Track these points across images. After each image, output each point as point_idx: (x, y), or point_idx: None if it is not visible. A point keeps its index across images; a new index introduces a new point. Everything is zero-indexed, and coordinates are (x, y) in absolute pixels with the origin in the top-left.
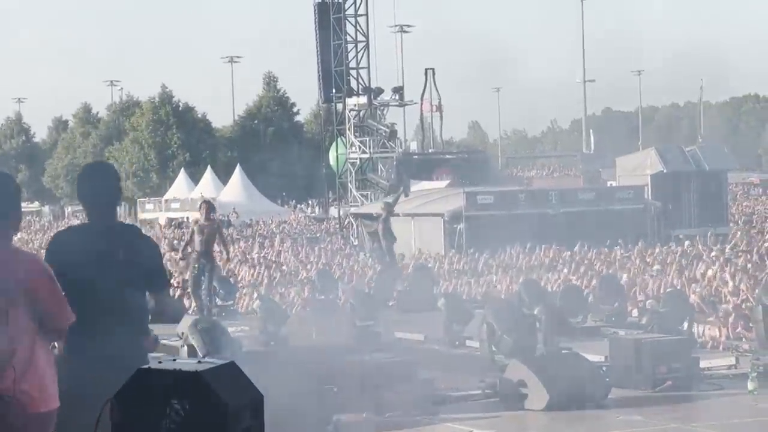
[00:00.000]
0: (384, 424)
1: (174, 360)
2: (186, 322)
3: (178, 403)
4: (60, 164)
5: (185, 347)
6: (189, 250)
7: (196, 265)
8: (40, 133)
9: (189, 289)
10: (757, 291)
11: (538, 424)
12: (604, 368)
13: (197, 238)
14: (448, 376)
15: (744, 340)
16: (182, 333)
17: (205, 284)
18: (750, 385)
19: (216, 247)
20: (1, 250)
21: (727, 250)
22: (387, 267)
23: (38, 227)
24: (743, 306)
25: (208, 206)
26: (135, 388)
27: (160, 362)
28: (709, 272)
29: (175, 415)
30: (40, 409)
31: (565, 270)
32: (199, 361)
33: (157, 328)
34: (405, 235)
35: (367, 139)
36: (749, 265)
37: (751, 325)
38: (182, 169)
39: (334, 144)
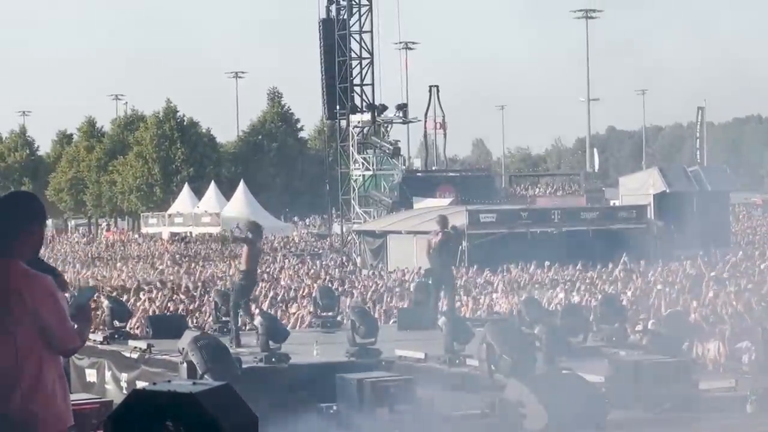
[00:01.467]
0: None
1: (169, 381)
2: (186, 338)
3: (173, 424)
4: (64, 178)
5: (185, 364)
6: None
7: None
8: (44, 147)
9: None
10: (757, 313)
11: None
12: (603, 389)
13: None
14: (448, 395)
15: (744, 361)
16: (182, 349)
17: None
18: (749, 408)
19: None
20: (9, 269)
21: (728, 271)
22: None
23: None
24: (743, 326)
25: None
26: (129, 409)
27: (154, 383)
28: (710, 293)
29: None
30: (48, 430)
31: (566, 289)
32: (194, 383)
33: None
34: (407, 252)
35: (371, 155)
36: (750, 286)
37: (751, 346)
38: (186, 183)
39: (340, 160)
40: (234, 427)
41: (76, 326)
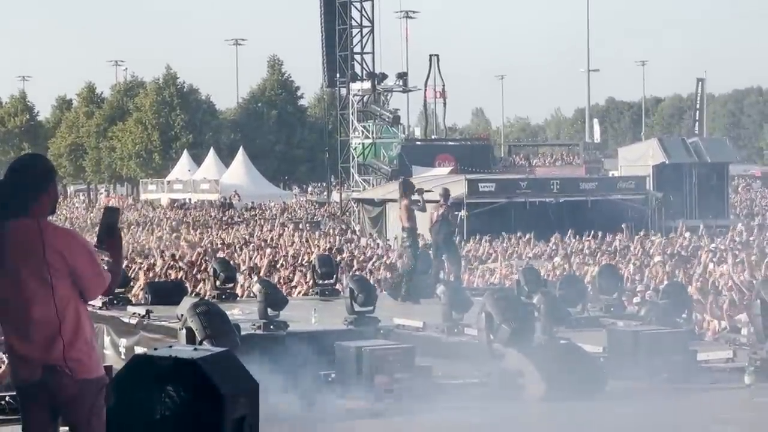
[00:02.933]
0: (381, 412)
1: (170, 347)
2: (185, 304)
3: (174, 389)
4: (63, 143)
5: (184, 330)
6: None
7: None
8: (44, 112)
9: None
10: (756, 285)
11: (534, 415)
12: (602, 359)
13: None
14: (446, 364)
15: (742, 333)
16: (181, 315)
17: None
18: (747, 379)
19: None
20: (41, 226)
21: (727, 243)
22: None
23: None
24: (742, 297)
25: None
26: (131, 374)
27: (155, 349)
28: (710, 265)
29: (170, 402)
30: (92, 375)
31: (565, 259)
32: (196, 349)
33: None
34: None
35: (371, 124)
36: (753, 258)
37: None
38: (185, 150)
39: (340, 129)
40: (235, 393)
41: (108, 253)
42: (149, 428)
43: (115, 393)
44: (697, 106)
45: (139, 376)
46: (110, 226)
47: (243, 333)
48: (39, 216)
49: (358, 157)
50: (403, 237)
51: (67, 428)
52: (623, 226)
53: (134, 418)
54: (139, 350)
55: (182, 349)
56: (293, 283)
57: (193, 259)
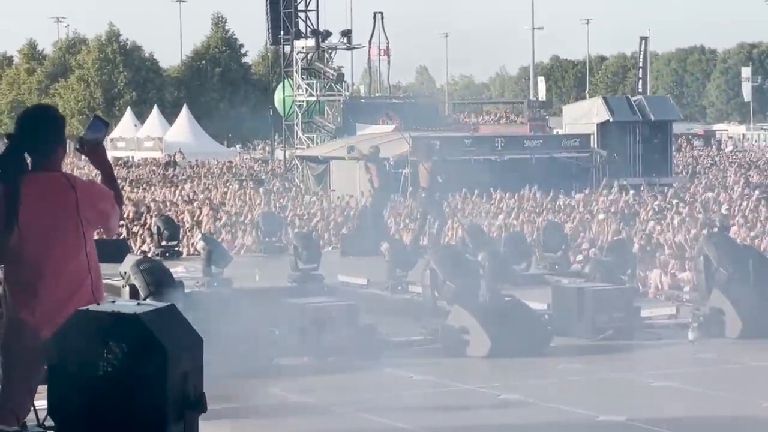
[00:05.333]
0: (325, 368)
1: (113, 302)
2: (129, 261)
3: (116, 345)
4: (4, 100)
5: (127, 287)
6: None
7: None
8: None
9: None
10: (699, 241)
11: (478, 371)
12: (546, 316)
13: None
14: (390, 321)
15: (684, 290)
16: (125, 273)
17: None
18: (690, 335)
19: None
20: (71, 180)
21: (669, 200)
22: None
23: None
24: (684, 255)
25: None
26: (72, 329)
27: (98, 304)
28: (651, 222)
29: (112, 358)
30: None
31: (510, 216)
32: (139, 304)
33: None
34: (351, 179)
35: (315, 82)
36: (696, 215)
37: (691, 273)
38: (128, 108)
39: (280, 86)
40: (178, 348)
41: (101, 173)
42: (92, 384)
43: (56, 349)
44: (640, 65)
45: (81, 332)
46: (96, 143)
47: (187, 291)
48: (59, 167)
49: (302, 115)
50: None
51: None
52: (567, 183)
53: (76, 375)
54: None
55: (125, 304)
56: (237, 241)
57: (131, 216)
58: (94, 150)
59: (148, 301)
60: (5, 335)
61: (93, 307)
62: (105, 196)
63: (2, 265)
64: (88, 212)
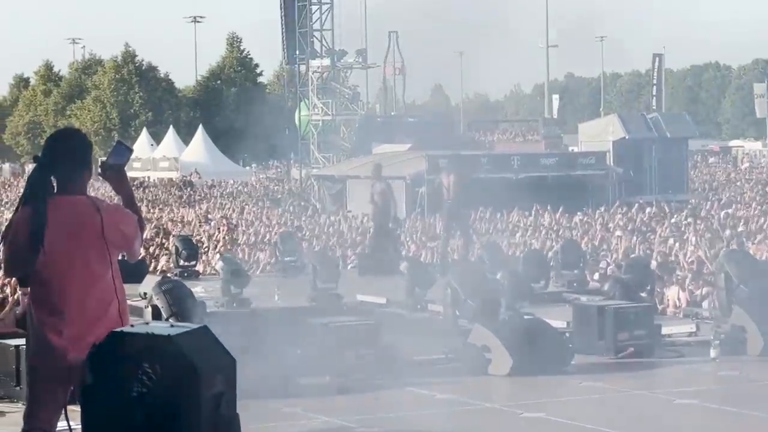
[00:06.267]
0: (347, 388)
1: (147, 323)
2: (150, 282)
3: (150, 366)
4: (21, 122)
5: (149, 308)
6: None
7: None
8: (1, 90)
9: None
10: (718, 258)
11: (500, 390)
12: (567, 334)
13: None
14: (411, 340)
15: (704, 306)
16: (145, 293)
17: None
18: (712, 353)
19: None
20: (96, 204)
21: (686, 217)
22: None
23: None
24: (702, 272)
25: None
26: (107, 351)
27: (132, 326)
28: (670, 240)
29: (146, 379)
30: None
31: (527, 234)
32: (172, 325)
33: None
34: (366, 197)
35: (330, 101)
36: (708, 234)
37: (709, 290)
38: (144, 128)
39: (299, 105)
40: (212, 369)
41: (122, 198)
42: (126, 406)
43: (91, 371)
44: (654, 82)
45: (115, 354)
46: (119, 168)
47: (207, 311)
48: (84, 191)
49: (317, 134)
50: None
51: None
52: (584, 201)
53: (110, 396)
54: None
55: (158, 326)
56: (255, 261)
57: (148, 236)
58: (116, 175)
59: (180, 322)
60: (32, 356)
61: (127, 328)
62: (129, 221)
63: (29, 287)
64: (113, 236)
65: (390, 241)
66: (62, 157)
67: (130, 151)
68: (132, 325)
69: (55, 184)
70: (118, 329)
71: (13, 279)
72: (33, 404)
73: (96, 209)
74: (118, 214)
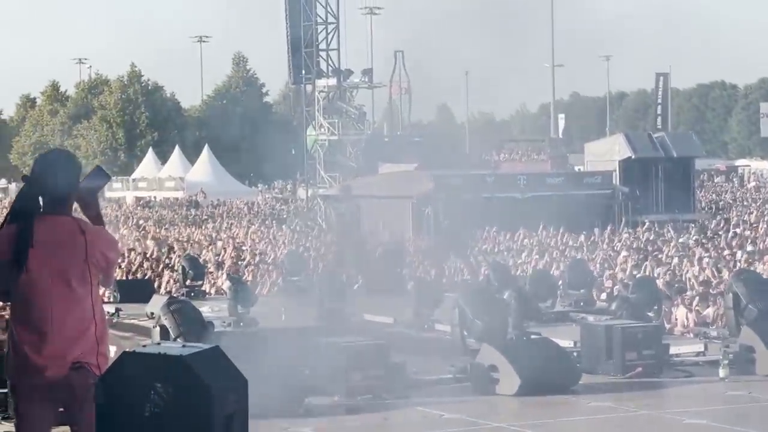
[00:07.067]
0: (355, 407)
1: (158, 344)
2: (158, 302)
3: (162, 386)
4: (27, 142)
5: (157, 328)
6: None
7: None
8: (8, 110)
9: None
10: (727, 278)
11: (508, 409)
12: (575, 354)
13: None
14: (419, 360)
15: (711, 326)
16: (151, 313)
17: None
18: (721, 372)
19: None
20: (81, 226)
21: (693, 237)
22: None
23: (6, 204)
24: (710, 292)
25: None
26: (119, 371)
27: (144, 346)
28: (675, 259)
29: (158, 399)
30: None
31: (534, 254)
32: (184, 345)
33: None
34: (373, 217)
35: (336, 120)
36: (715, 253)
37: (717, 310)
38: (150, 148)
39: (305, 126)
40: (223, 390)
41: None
42: (138, 425)
43: (103, 390)
44: (659, 101)
45: (128, 373)
46: (92, 192)
47: (215, 330)
48: (70, 211)
49: (323, 154)
50: None
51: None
52: (590, 221)
53: (123, 416)
54: (111, 349)
55: (171, 346)
56: (261, 280)
57: (155, 255)
58: (86, 197)
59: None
60: (12, 374)
61: (139, 348)
62: (112, 245)
63: (9, 304)
64: (96, 258)
65: (394, 261)
66: (50, 176)
67: (108, 177)
68: (144, 345)
69: (41, 203)
70: (130, 350)
71: None
72: (20, 423)
73: (81, 230)
74: (101, 237)
